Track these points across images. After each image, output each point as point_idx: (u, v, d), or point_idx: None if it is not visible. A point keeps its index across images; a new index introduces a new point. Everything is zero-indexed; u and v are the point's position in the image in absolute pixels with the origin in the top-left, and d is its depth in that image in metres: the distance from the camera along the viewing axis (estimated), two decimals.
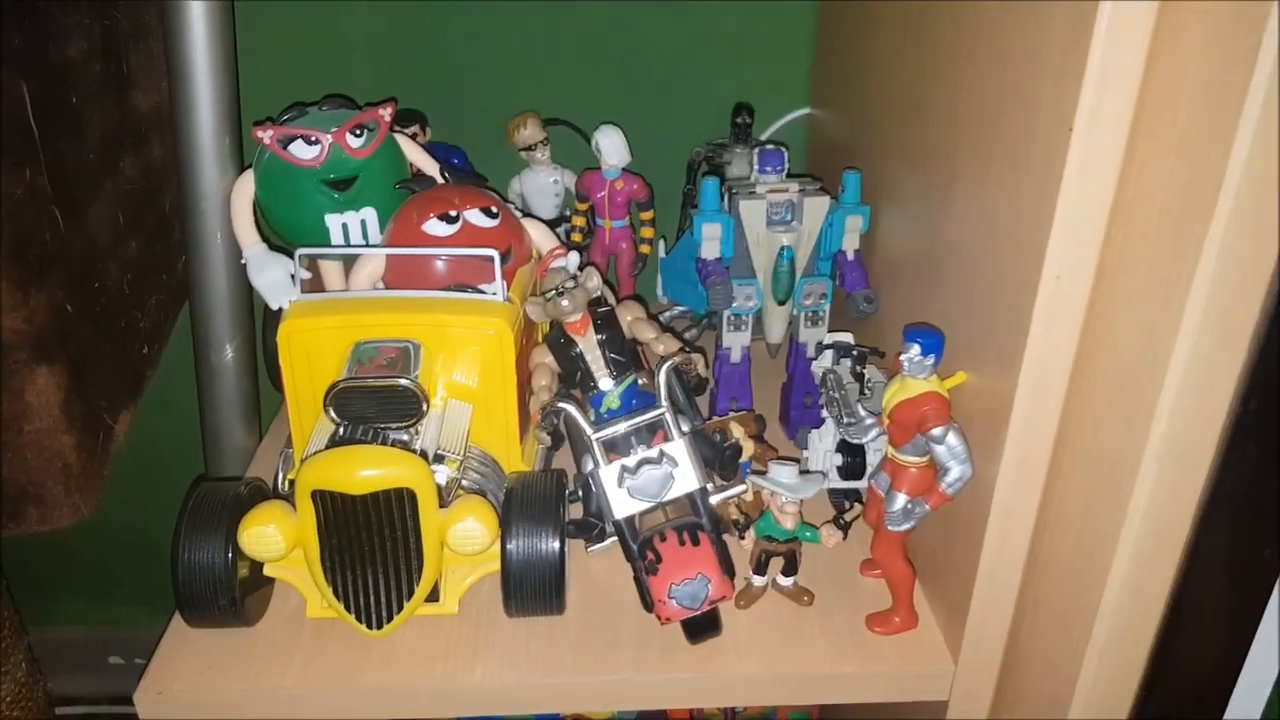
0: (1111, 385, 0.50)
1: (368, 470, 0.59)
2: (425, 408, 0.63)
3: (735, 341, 0.83)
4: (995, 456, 0.57)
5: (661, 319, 0.96)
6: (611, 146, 0.91)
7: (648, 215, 0.96)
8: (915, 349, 0.59)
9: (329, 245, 0.74)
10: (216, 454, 0.86)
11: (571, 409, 0.66)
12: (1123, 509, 0.49)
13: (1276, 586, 0.53)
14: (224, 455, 0.86)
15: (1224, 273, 0.43)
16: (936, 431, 0.59)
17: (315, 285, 0.78)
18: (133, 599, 1.31)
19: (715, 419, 0.78)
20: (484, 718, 1.10)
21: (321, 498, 0.60)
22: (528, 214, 0.87)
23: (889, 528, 0.63)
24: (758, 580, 0.69)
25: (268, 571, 0.66)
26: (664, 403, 0.65)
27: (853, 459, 0.76)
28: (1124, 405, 0.49)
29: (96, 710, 1.30)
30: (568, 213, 0.99)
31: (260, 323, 0.84)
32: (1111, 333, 0.50)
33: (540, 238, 0.81)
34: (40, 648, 0.99)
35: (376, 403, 0.62)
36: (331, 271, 0.77)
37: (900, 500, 0.62)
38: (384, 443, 0.62)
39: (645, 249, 0.98)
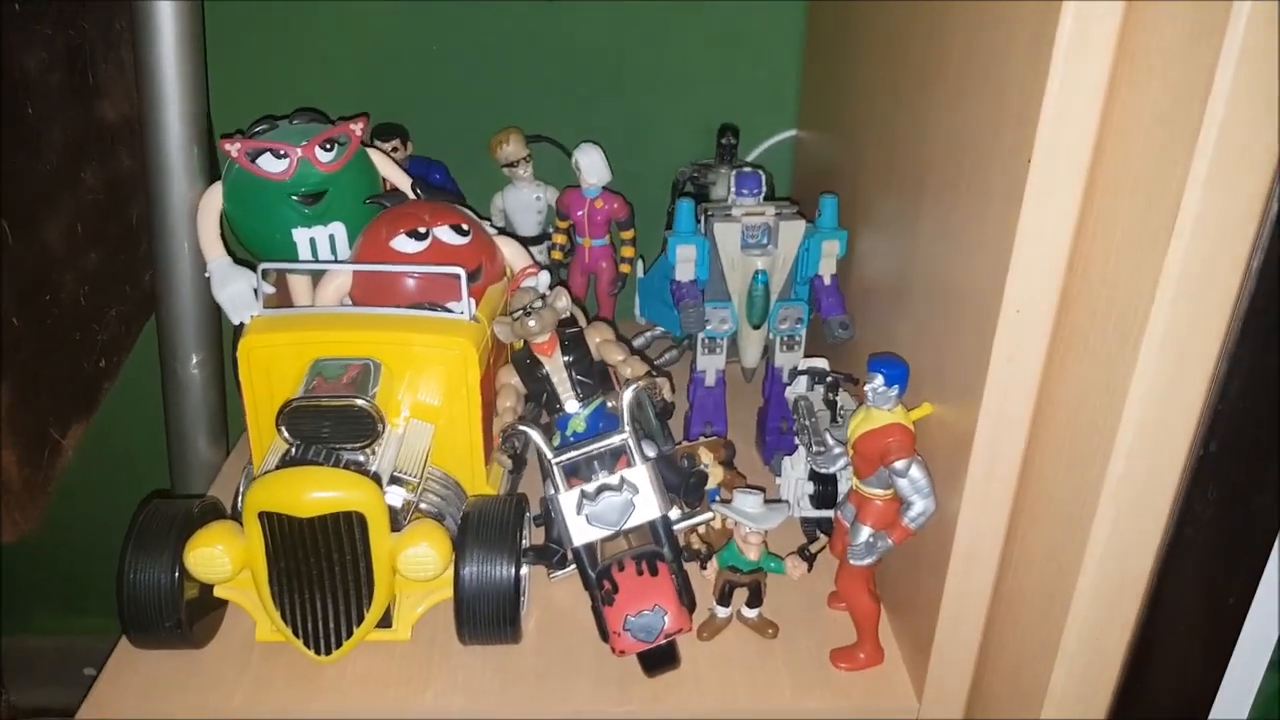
0: (1073, 423, 0.49)
1: (316, 492, 0.58)
2: (381, 428, 0.62)
3: (710, 365, 0.81)
4: (958, 491, 0.55)
5: (643, 339, 0.95)
6: (591, 165, 0.90)
7: (628, 234, 0.95)
8: (879, 379, 0.58)
9: (296, 260, 0.73)
10: (183, 468, 0.85)
11: (532, 432, 0.64)
12: (1080, 551, 0.48)
13: (1242, 632, 0.51)
14: (190, 469, 0.85)
15: (1179, 312, 0.41)
16: (899, 464, 0.57)
17: (283, 300, 0.77)
18: (107, 610, 1.28)
19: (685, 444, 0.76)
20: None
21: (269, 519, 0.59)
22: (504, 231, 0.86)
23: (851, 561, 0.61)
24: (721, 611, 0.67)
25: (218, 593, 0.64)
26: (626, 427, 0.63)
27: (825, 487, 0.75)
28: (1083, 444, 0.48)
29: None
30: (550, 230, 0.98)
31: (231, 336, 0.83)
32: (1073, 369, 0.49)
33: (513, 256, 0.80)
34: (13, 658, 0.98)
35: (331, 422, 0.61)
36: (300, 286, 0.77)
37: (864, 533, 0.61)
38: (337, 463, 0.61)
39: (625, 268, 0.96)
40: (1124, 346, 0.44)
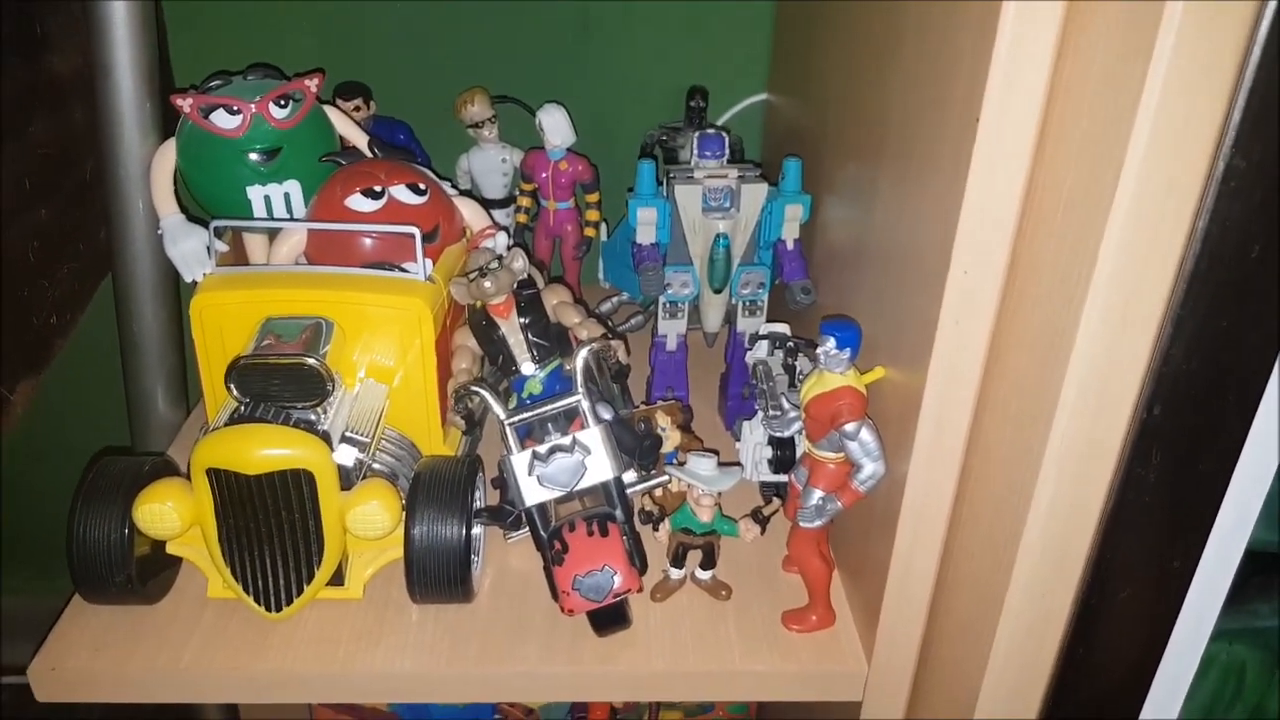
0: (1020, 386, 0.49)
1: (263, 450, 0.58)
2: (331, 387, 0.61)
3: (671, 329, 0.81)
4: (907, 453, 0.55)
5: (610, 304, 0.94)
6: (554, 125, 0.89)
7: (593, 197, 0.94)
8: (831, 342, 0.58)
9: (250, 218, 0.72)
10: (142, 427, 0.84)
11: (485, 393, 0.64)
12: (1024, 512, 0.48)
13: (1187, 596, 0.52)
14: (150, 428, 0.84)
15: (1122, 273, 0.41)
16: (849, 427, 0.57)
17: (238, 259, 0.76)
18: None
19: (642, 407, 0.76)
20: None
21: (216, 476, 0.58)
22: (465, 192, 0.85)
23: (800, 524, 0.61)
24: (675, 573, 0.67)
25: (170, 549, 0.64)
26: (580, 389, 0.63)
27: (783, 452, 0.75)
28: (1029, 406, 0.48)
29: None
30: (517, 192, 0.97)
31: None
32: (1021, 332, 0.49)
33: (472, 217, 0.79)
34: None
35: (280, 381, 0.61)
36: (256, 245, 0.76)
37: (815, 496, 0.61)
38: (286, 422, 0.60)
39: (590, 232, 0.96)
40: (1068, 308, 0.43)
